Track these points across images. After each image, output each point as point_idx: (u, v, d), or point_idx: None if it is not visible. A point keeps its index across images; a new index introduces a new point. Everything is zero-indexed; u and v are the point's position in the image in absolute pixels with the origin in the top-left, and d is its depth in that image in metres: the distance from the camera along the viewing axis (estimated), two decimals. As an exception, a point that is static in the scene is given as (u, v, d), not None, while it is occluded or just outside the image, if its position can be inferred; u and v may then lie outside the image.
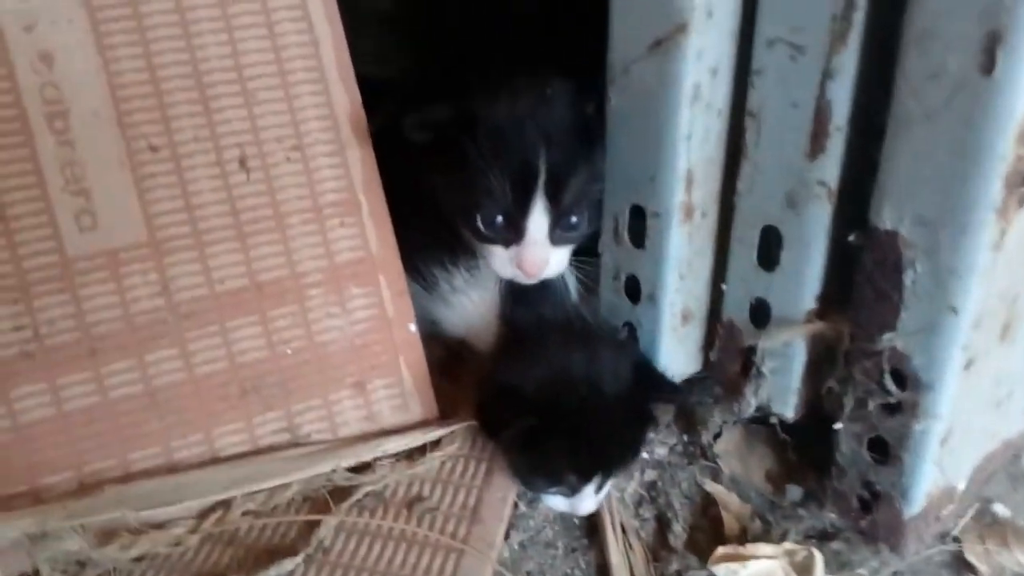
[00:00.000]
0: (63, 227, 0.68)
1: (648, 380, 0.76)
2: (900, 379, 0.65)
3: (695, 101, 0.67)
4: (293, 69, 0.73)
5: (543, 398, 0.71)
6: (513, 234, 0.73)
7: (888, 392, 0.66)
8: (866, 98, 0.61)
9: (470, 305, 0.81)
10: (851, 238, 0.65)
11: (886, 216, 0.61)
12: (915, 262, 0.61)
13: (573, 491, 0.74)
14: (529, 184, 0.71)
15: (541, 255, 0.73)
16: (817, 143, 0.64)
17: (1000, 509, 0.81)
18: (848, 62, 0.60)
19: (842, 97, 0.62)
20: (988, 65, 0.52)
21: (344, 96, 0.74)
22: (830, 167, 0.64)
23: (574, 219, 0.75)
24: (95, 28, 0.68)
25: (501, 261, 0.74)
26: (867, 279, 0.64)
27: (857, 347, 0.67)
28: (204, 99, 0.71)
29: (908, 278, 0.62)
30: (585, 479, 0.73)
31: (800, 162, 0.66)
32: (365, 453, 0.74)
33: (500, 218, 0.72)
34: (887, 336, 0.64)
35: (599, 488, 0.75)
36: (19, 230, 0.67)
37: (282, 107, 0.73)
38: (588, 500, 0.74)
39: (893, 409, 0.67)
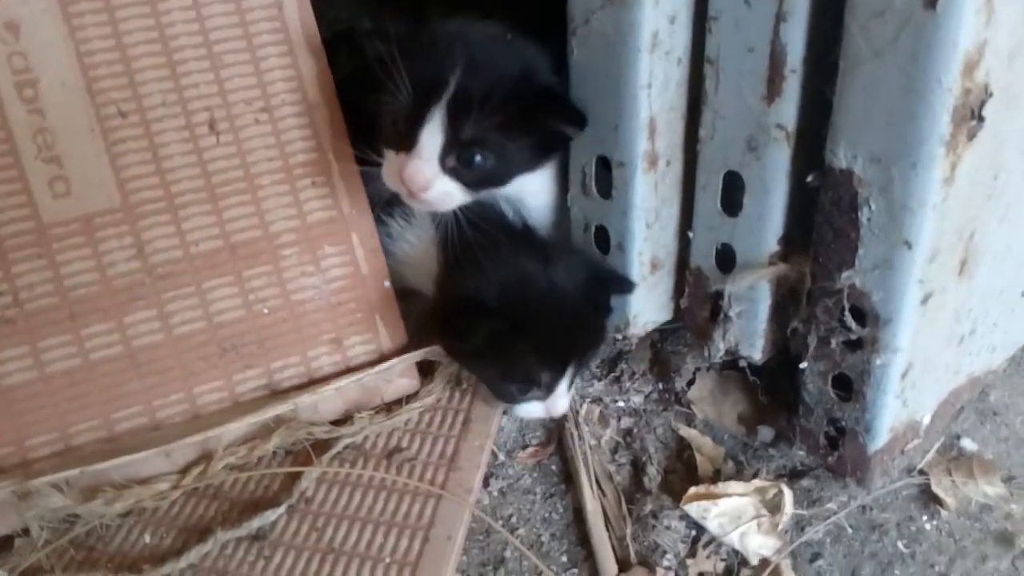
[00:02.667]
0: (37, 194, 0.69)
1: (601, 277, 0.79)
2: (860, 315, 0.67)
3: (654, 49, 0.68)
4: (258, 32, 0.74)
5: (504, 304, 0.72)
6: (406, 142, 0.68)
7: (849, 329, 0.68)
8: (819, 40, 0.62)
9: (409, 248, 0.82)
10: (809, 179, 0.66)
11: (841, 155, 0.62)
12: (869, 199, 0.62)
13: (547, 390, 0.77)
14: (432, 94, 0.66)
15: (425, 173, 0.68)
16: (773, 87, 0.65)
17: (967, 443, 0.83)
18: (800, 4, 0.61)
19: (796, 39, 0.63)
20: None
21: (310, 58, 0.75)
22: (787, 110, 0.65)
23: (477, 157, 0.70)
24: (60, -4, 0.69)
25: (390, 167, 0.69)
26: (825, 219, 0.66)
27: (818, 286, 0.69)
28: (171, 64, 0.72)
29: (864, 215, 0.63)
30: (558, 374, 0.76)
31: (758, 106, 0.67)
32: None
33: (398, 122, 0.68)
34: (846, 274, 0.66)
35: (570, 384, 0.79)
36: (-6, 198, 0.68)
37: (249, 70, 0.73)
38: (562, 399, 0.78)
39: (854, 345, 0.68)
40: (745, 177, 0.70)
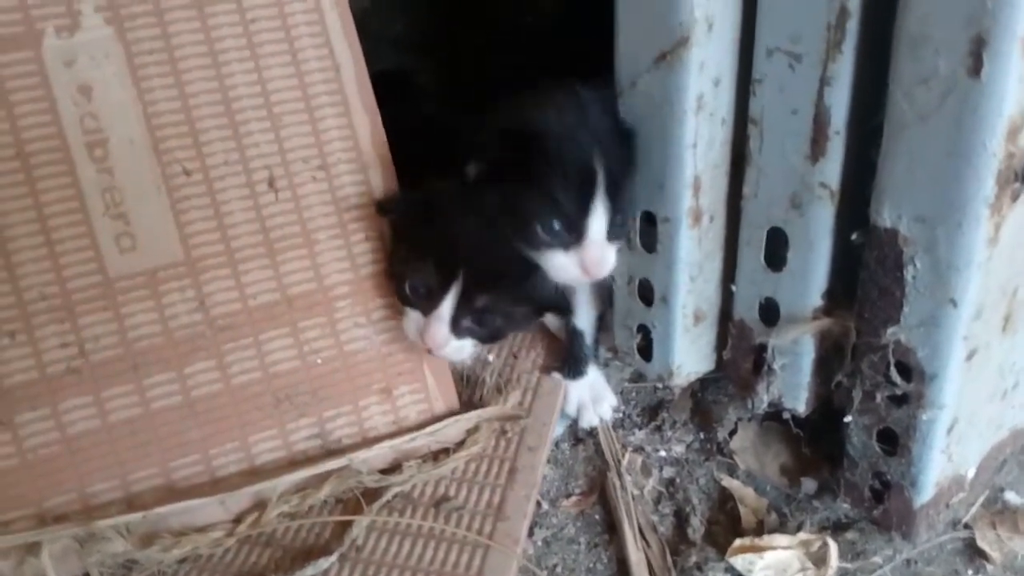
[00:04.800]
0: (104, 249, 0.72)
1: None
2: (905, 371, 0.68)
3: (699, 111, 0.71)
4: (316, 94, 0.77)
5: (529, 130, 0.71)
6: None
7: (894, 384, 0.69)
8: (863, 102, 0.64)
9: None
10: (854, 237, 0.68)
11: (886, 215, 0.64)
12: (914, 258, 0.63)
13: (574, 230, 0.71)
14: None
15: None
16: (817, 147, 0.67)
17: (1012, 497, 0.83)
18: (844, 69, 0.63)
19: (840, 102, 0.65)
20: (976, 67, 0.55)
21: (365, 117, 0.78)
22: (831, 169, 0.67)
23: (487, 319, 0.76)
24: (130, 61, 0.72)
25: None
26: (870, 276, 0.67)
27: (863, 342, 0.70)
28: (233, 124, 0.75)
29: (909, 273, 0.64)
30: (584, 202, 0.70)
31: (802, 165, 0.69)
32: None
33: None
34: (891, 330, 0.67)
35: (608, 231, 0.72)
36: (63, 253, 0.71)
37: (307, 129, 0.76)
38: (595, 247, 0.71)
39: (900, 401, 0.69)
40: (789, 233, 0.72)
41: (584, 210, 0.71)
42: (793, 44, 0.65)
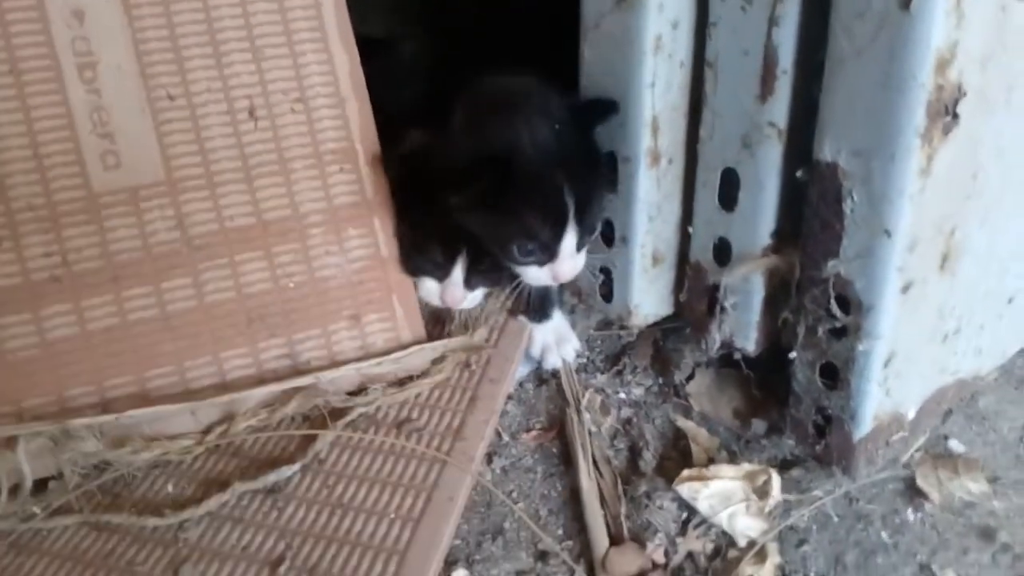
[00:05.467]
0: (90, 165, 0.76)
1: (585, 111, 0.79)
2: (844, 304, 0.71)
3: (658, 51, 0.74)
4: (298, 29, 0.80)
5: (503, 157, 0.74)
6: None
7: (834, 317, 0.72)
8: (809, 41, 0.68)
9: None
10: (799, 174, 0.71)
11: (827, 150, 0.67)
12: (852, 191, 0.67)
13: (548, 252, 0.77)
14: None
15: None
16: (766, 87, 0.71)
17: (955, 445, 0.86)
18: (791, 9, 0.67)
19: (787, 41, 0.68)
20: (906, 1, 0.59)
21: (344, 54, 0.82)
22: (778, 109, 0.71)
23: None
24: (121, -11, 0.76)
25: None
26: (813, 211, 0.71)
27: (806, 276, 0.73)
28: (217, 54, 0.79)
29: (847, 206, 0.68)
30: (557, 229, 0.76)
31: (752, 106, 0.72)
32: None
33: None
34: (832, 263, 0.70)
35: (577, 245, 0.78)
36: (51, 167, 0.74)
37: (287, 63, 0.80)
38: (568, 262, 0.78)
39: (839, 333, 0.73)
40: (740, 173, 0.75)
41: (557, 235, 0.77)
42: (745, -14, 0.69)
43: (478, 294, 0.87)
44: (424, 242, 0.83)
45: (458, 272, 0.83)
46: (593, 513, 0.78)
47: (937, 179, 0.65)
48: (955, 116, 0.63)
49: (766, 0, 0.68)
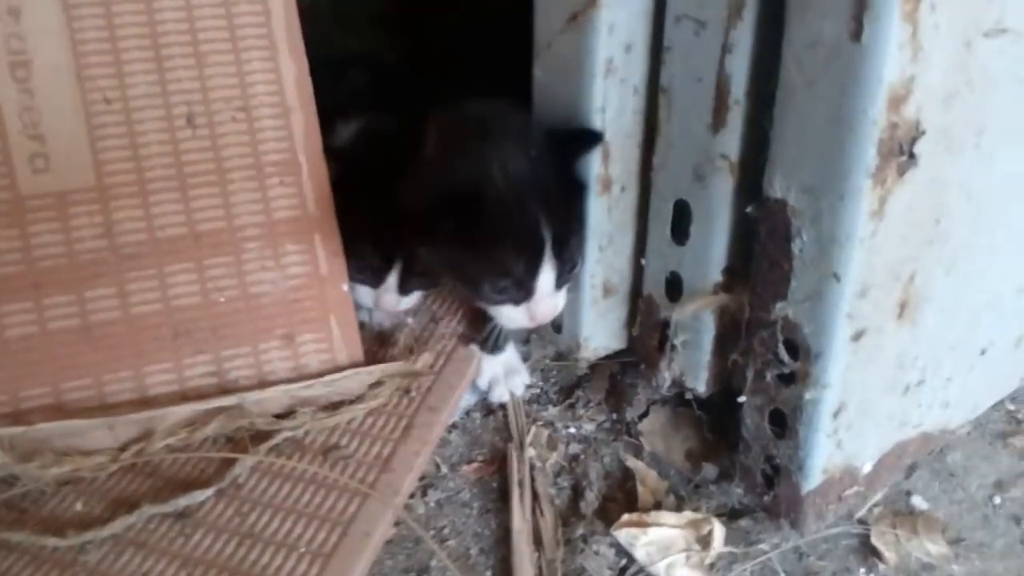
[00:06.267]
0: (17, 167, 0.73)
1: (563, 140, 0.75)
2: (792, 348, 0.67)
3: (608, 75, 0.71)
4: (244, 36, 0.78)
5: (472, 191, 0.70)
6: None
7: (782, 362, 0.68)
8: (763, 72, 0.64)
9: None
10: (749, 209, 0.67)
11: (777, 185, 0.63)
12: (801, 230, 0.63)
13: (523, 289, 0.73)
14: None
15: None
16: (719, 117, 0.67)
17: (918, 501, 0.82)
18: (744, 35, 0.63)
19: (740, 70, 0.65)
20: (856, 32, 0.55)
21: (291, 64, 0.79)
22: (731, 140, 0.67)
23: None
24: (61, -13, 0.74)
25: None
26: (762, 249, 0.67)
27: (755, 317, 0.69)
28: (158, 59, 0.76)
29: (796, 246, 0.64)
30: (531, 264, 0.71)
31: (705, 136, 0.69)
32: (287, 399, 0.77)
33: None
34: (780, 305, 0.66)
35: (556, 282, 0.74)
36: (-25, 167, 0.72)
37: (231, 70, 0.77)
38: (545, 300, 0.74)
39: (788, 379, 0.68)
40: (692, 206, 0.72)
41: (532, 272, 0.72)
42: (698, 10, 0.65)
43: (414, 297, 0.85)
44: (359, 247, 0.80)
45: (393, 278, 0.81)
46: (520, 559, 0.74)
47: (891, 222, 0.61)
48: (912, 156, 0.59)
49: (719, 25, 0.64)
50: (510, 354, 0.90)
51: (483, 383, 0.89)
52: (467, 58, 0.99)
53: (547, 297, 0.74)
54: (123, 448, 0.74)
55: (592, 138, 0.74)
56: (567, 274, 0.75)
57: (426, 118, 0.78)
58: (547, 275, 0.73)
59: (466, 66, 0.97)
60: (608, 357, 0.89)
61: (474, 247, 0.72)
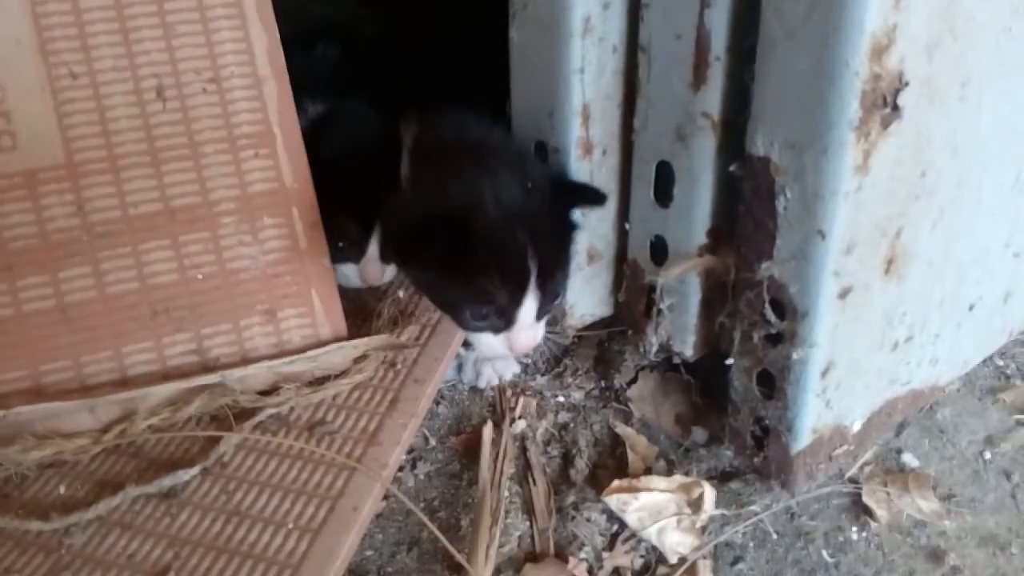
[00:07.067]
0: (-17, 147, 0.71)
1: (567, 188, 0.74)
2: (779, 308, 0.66)
3: (587, 34, 0.69)
4: (212, 5, 0.75)
5: (460, 215, 0.69)
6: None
7: (769, 322, 0.67)
8: (743, 27, 0.63)
9: None
10: (732, 168, 0.66)
11: (759, 142, 0.62)
12: (785, 188, 0.62)
13: (507, 318, 0.72)
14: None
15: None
16: (699, 74, 0.66)
17: (908, 458, 0.82)
18: (723, -11, 0.62)
19: (719, 26, 0.63)
20: (838, -21, 0.53)
21: (262, 32, 0.77)
22: (712, 98, 0.66)
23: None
24: (20, -41, 0.71)
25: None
26: (747, 208, 0.66)
27: (741, 278, 0.68)
28: (124, 31, 0.74)
29: (780, 204, 0.63)
30: (516, 296, 0.71)
31: (686, 94, 0.67)
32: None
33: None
34: (765, 265, 0.65)
35: (538, 313, 0.73)
36: (-61, 147, 0.70)
37: (200, 40, 0.75)
38: (526, 332, 0.73)
39: (775, 340, 0.68)
40: (675, 167, 0.71)
41: (515, 303, 0.72)
42: (676, -36, 0.64)
43: (390, 269, 0.84)
44: (335, 220, 0.79)
45: (374, 247, 0.80)
46: (482, 538, 0.72)
47: (877, 177, 0.60)
48: (895, 108, 0.58)
49: (697, -22, 0.63)
50: None
51: (467, 377, 0.88)
52: (445, 28, 0.97)
53: (527, 328, 0.74)
54: (105, 430, 0.73)
55: (596, 198, 0.74)
56: (548, 305, 0.75)
57: (400, 111, 0.78)
58: (529, 306, 0.72)
59: (444, 38, 0.96)
60: (594, 325, 0.88)
61: (459, 272, 0.71)
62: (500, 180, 0.71)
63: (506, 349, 0.75)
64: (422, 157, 0.75)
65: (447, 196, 0.71)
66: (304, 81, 0.80)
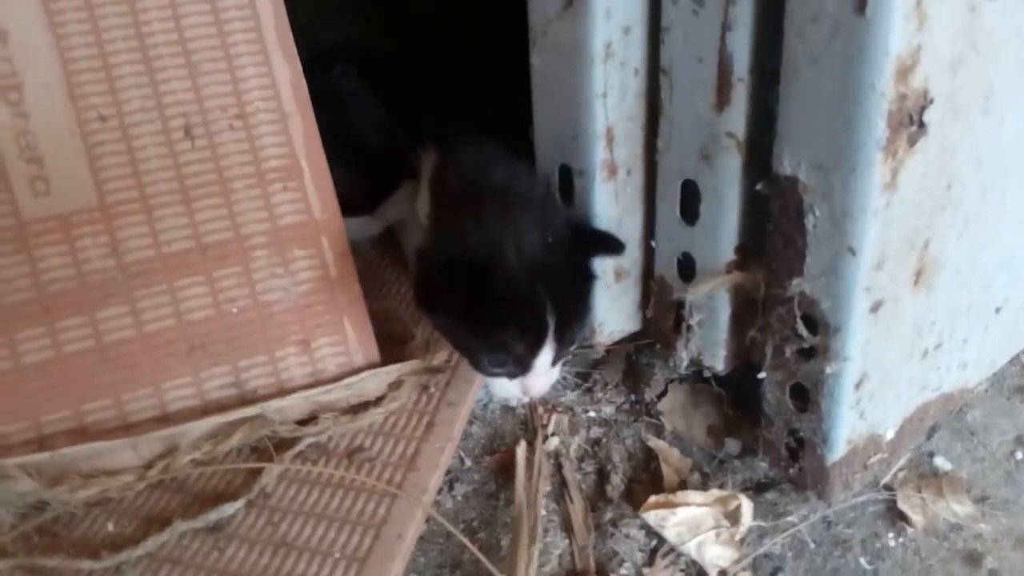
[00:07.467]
0: (18, 192, 0.72)
1: (586, 236, 0.75)
2: (811, 323, 0.67)
3: (608, 59, 0.70)
4: (235, 42, 0.77)
5: (482, 265, 0.70)
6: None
7: (801, 337, 0.68)
8: (765, 48, 0.63)
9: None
10: (759, 187, 0.67)
11: (786, 162, 0.63)
12: (814, 206, 0.62)
13: (523, 365, 0.73)
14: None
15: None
16: (722, 95, 0.66)
17: (941, 462, 0.82)
18: (743, 13, 0.62)
19: (741, 48, 0.64)
20: (861, 4, 0.54)
21: (285, 66, 0.78)
22: (736, 118, 0.66)
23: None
24: (46, 6, 0.72)
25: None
26: (775, 226, 0.66)
27: (771, 294, 0.69)
28: (150, 71, 0.75)
29: (809, 222, 0.63)
30: (534, 346, 0.72)
31: (709, 115, 0.68)
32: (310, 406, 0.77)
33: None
34: (796, 281, 0.66)
35: (553, 360, 0.74)
36: (-24, 195, 0.71)
37: (225, 78, 0.76)
38: (541, 378, 0.74)
39: (808, 354, 0.68)
40: (700, 185, 0.71)
41: (532, 353, 0.73)
42: (696, -11, 0.64)
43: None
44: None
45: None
46: (521, 557, 0.73)
47: (904, 193, 0.61)
48: (922, 125, 0.59)
49: (718, 3, 0.63)
50: None
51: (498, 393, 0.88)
52: (463, 48, 0.97)
53: (543, 375, 0.75)
54: (149, 466, 0.74)
55: (615, 247, 0.75)
56: (564, 352, 0.76)
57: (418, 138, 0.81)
58: (546, 356, 0.73)
59: (463, 57, 0.96)
60: (622, 340, 0.88)
61: (477, 322, 0.72)
62: (522, 229, 0.72)
63: (520, 393, 0.77)
64: (443, 193, 0.76)
65: (468, 243, 0.72)
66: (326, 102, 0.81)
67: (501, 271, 0.70)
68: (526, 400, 0.79)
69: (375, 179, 0.85)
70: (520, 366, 0.74)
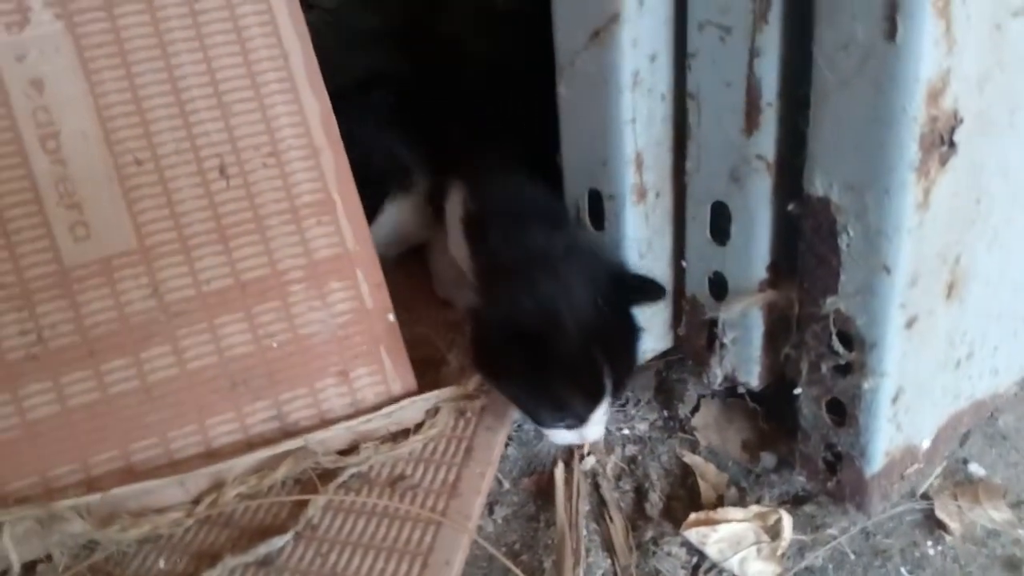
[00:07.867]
0: (59, 238, 0.74)
1: (628, 286, 0.77)
2: (846, 340, 0.68)
3: (636, 87, 0.71)
4: (265, 82, 0.78)
5: (540, 334, 0.72)
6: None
7: (837, 354, 0.68)
8: (792, 73, 0.64)
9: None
10: (790, 207, 0.68)
11: (818, 183, 0.64)
12: (847, 226, 0.63)
13: (580, 420, 0.77)
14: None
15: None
16: (751, 119, 0.67)
17: (975, 468, 0.83)
18: (771, 39, 0.63)
19: (770, 73, 0.65)
20: (891, 31, 0.55)
21: (315, 103, 0.79)
22: (766, 141, 0.67)
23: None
24: (80, 55, 0.74)
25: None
26: (808, 246, 0.67)
27: (806, 312, 0.70)
28: (183, 114, 0.76)
29: (843, 242, 0.64)
30: (592, 403, 0.75)
31: (738, 138, 0.69)
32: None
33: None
34: (830, 299, 0.67)
35: (606, 409, 0.78)
36: (19, 243, 0.73)
37: (256, 117, 0.78)
38: (596, 426, 0.78)
39: (844, 370, 0.69)
40: (731, 207, 0.72)
41: (591, 409, 0.76)
42: (722, 16, 0.65)
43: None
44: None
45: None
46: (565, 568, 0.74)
47: (937, 211, 0.62)
48: (952, 145, 0.60)
49: (745, 30, 0.64)
50: None
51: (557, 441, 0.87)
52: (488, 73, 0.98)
53: (599, 424, 0.79)
54: (196, 501, 0.75)
55: (657, 293, 0.77)
56: (616, 400, 0.80)
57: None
58: (602, 410, 0.77)
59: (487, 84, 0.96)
60: (654, 358, 0.89)
61: (538, 386, 0.75)
62: (573, 292, 0.74)
63: (578, 440, 0.80)
64: (485, 249, 0.80)
65: (524, 309, 0.74)
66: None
67: (559, 338, 0.73)
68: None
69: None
70: (579, 420, 0.77)
